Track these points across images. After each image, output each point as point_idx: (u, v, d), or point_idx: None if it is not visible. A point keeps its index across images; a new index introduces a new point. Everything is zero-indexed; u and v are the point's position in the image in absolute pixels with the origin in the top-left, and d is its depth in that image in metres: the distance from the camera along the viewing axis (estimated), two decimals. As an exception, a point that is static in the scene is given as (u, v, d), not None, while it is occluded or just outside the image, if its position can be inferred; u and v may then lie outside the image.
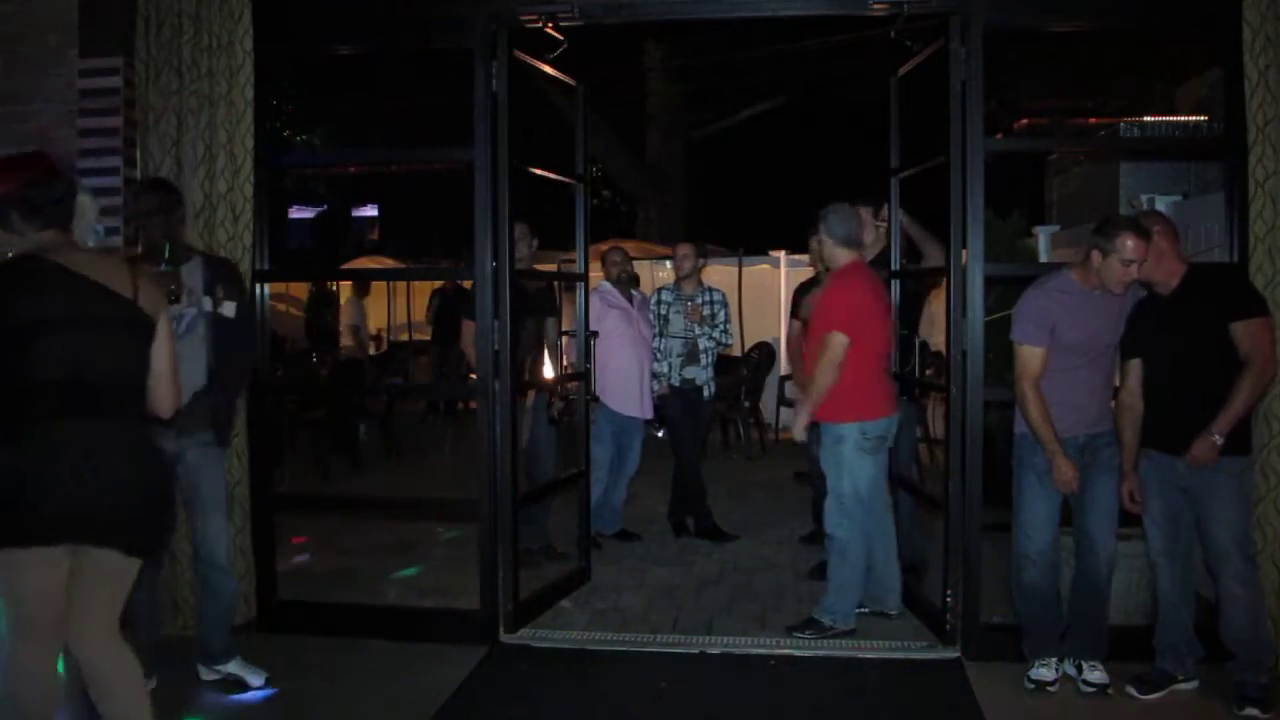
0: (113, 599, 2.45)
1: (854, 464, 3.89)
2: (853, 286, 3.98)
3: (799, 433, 4.11)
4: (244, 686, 3.48)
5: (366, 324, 10.45)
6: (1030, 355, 3.39)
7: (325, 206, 20.18)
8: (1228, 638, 3.30)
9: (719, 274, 8.83)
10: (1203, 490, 3.26)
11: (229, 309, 3.42)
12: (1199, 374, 3.26)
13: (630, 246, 6.68)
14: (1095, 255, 3.29)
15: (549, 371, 5.19)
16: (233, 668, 3.51)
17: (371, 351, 10.39)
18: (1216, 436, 3.17)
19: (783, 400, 8.79)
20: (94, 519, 2.30)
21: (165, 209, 3.38)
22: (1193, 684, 3.40)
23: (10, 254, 2.38)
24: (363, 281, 10.42)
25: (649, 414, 5.52)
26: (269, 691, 3.46)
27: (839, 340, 3.86)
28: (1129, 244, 3.20)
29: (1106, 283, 3.30)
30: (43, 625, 2.35)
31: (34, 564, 2.29)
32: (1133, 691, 3.37)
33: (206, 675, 3.52)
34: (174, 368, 2.52)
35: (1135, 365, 3.40)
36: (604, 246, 6.70)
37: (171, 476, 2.57)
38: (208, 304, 3.39)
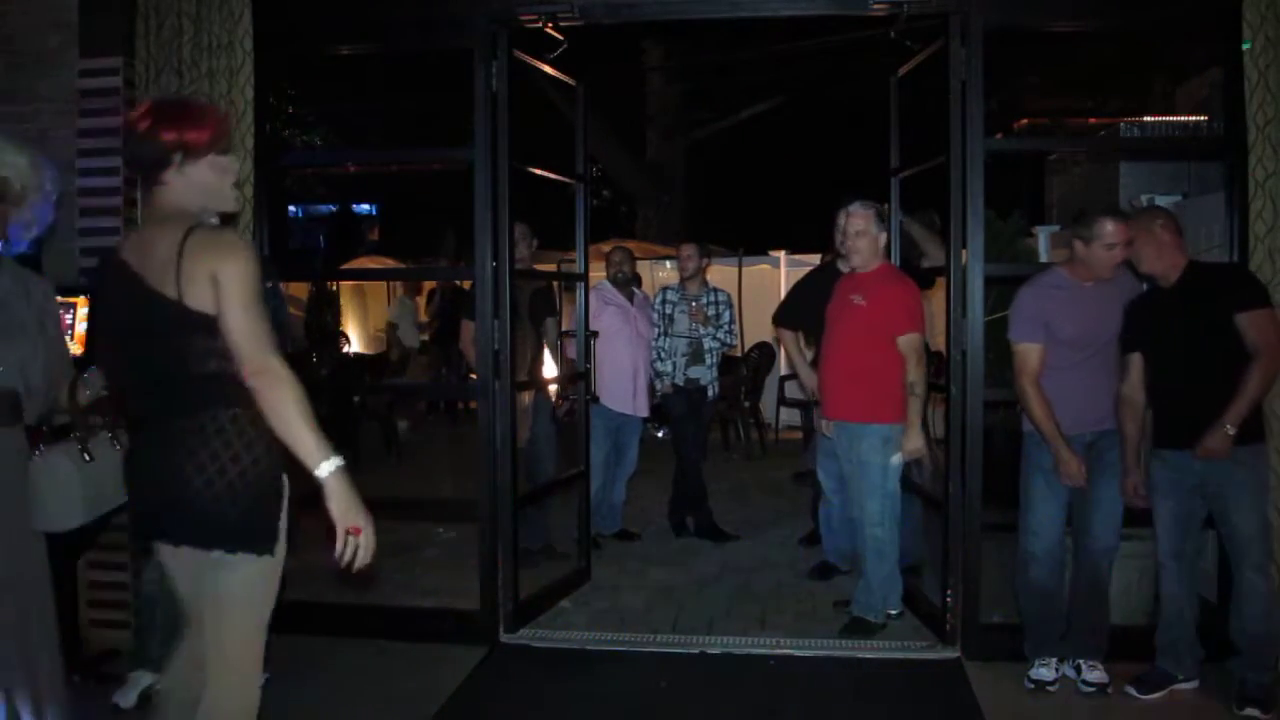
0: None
1: (896, 464, 3.98)
2: (913, 284, 4.12)
3: (918, 450, 3.99)
4: None
5: (415, 320, 10.49)
6: (1027, 352, 3.41)
7: (326, 206, 20.18)
8: (1238, 632, 3.29)
9: (719, 274, 8.83)
10: (1220, 483, 3.24)
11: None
12: (1206, 367, 3.25)
13: (630, 246, 6.68)
14: (1079, 246, 3.36)
15: (549, 371, 5.19)
16: None
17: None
18: (1229, 427, 3.16)
19: (783, 400, 8.80)
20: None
21: None
22: (1192, 684, 3.40)
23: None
24: (413, 281, 10.58)
25: (643, 412, 5.53)
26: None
27: (921, 341, 4.00)
28: (1107, 228, 3.29)
29: (1096, 270, 3.34)
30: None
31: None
32: (1132, 691, 3.37)
33: None
34: None
35: (1136, 359, 3.41)
36: (605, 246, 6.71)
37: None
38: None
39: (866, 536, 4.02)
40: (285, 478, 2.16)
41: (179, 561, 2.23)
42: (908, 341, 3.93)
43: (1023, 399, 3.42)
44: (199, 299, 2.03)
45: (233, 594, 2.16)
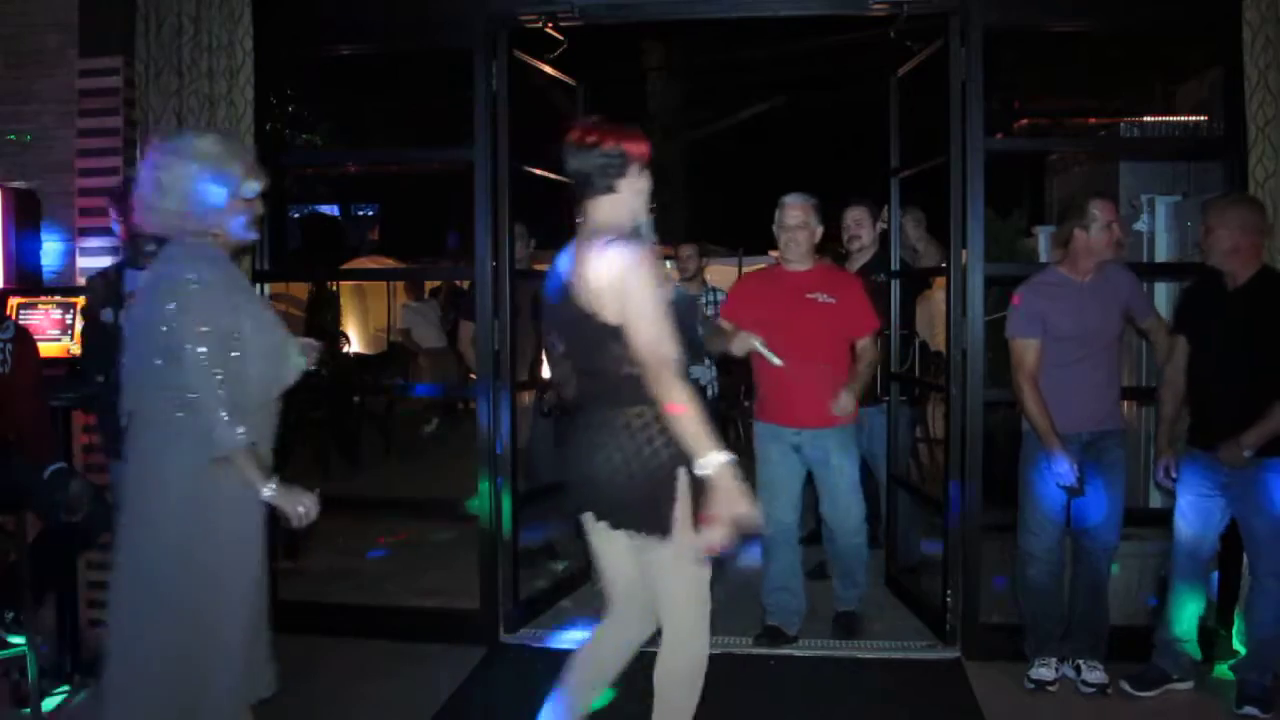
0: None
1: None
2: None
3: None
4: None
5: (437, 318, 10.46)
6: (1023, 348, 3.41)
7: (326, 206, 20.16)
8: (1246, 634, 3.30)
9: (719, 273, 8.83)
10: (1243, 485, 3.22)
11: None
12: (1247, 377, 3.20)
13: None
14: (1080, 236, 3.37)
15: (547, 371, 5.19)
16: None
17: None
18: (1246, 451, 3.14)
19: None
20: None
21: None
22: (1188, 685, 3.40)
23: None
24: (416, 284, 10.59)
25: None
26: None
27: None
28: (1098, 208, 3.33)
29: (1099, 254, 3.35)
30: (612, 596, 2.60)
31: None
32: (1127, 686, 3.38)
33: None
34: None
35: (1181, 343, 3.40)
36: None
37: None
38: None
39: (850, 546, 3.96)
40: (683, 470, 2.32)
41: (602, 531, 2.49)
42: (873, 341, 3.91)
43: (1019, 395, 3.42)
44: (611, 311, 2.28)
45: (659, 566, 2.43)
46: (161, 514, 2.37)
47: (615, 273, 2.26)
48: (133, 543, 2.43)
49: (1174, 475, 3.41)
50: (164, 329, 2.32)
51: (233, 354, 2.35)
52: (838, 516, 3.93)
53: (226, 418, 2.29)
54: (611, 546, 2.51)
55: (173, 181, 2.39)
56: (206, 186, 2.40)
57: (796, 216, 3.80)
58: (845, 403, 3.74)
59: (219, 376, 2.30)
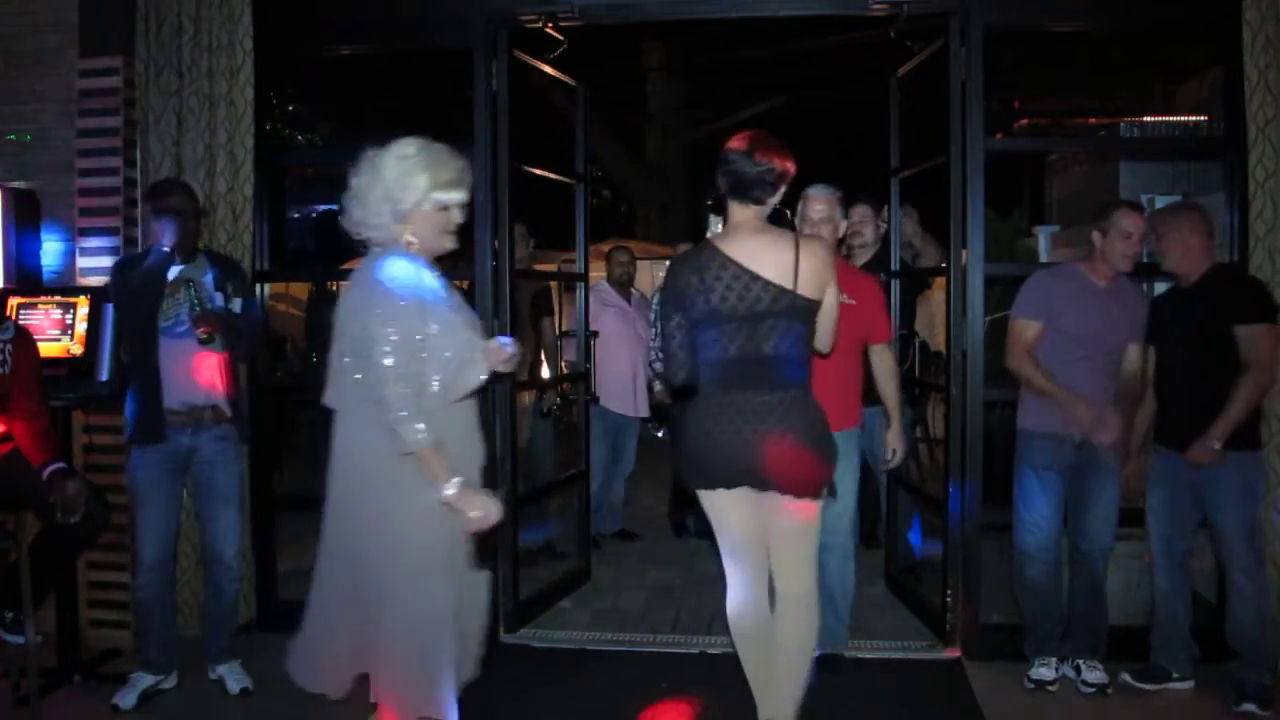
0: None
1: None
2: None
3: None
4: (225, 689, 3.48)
5: None
6: (1023, 327, 3.44)
7: (326, 206, 20.16)
8: (1234, 638, 3.31)
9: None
10: (1209, 484, 3.27)
11: (236, 305, 3.46)
12: (1205, 373, 3.27)
13: (630, 246, 6.68)
14: (1096, 237, 3.38)
15: (546, 371, 5.20)
16: (222, 670, 3.51)
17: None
18: (1214, 442, 3.19)
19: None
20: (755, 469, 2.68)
21: (196, 208, 3.45)
22: (1188, 684, 3.40)
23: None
24: None
25: (644, 412, 5.54)
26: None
27: None
28: (1125, 218, 3.33)
29: (1112, 261, 3.35)
30: (742, 553, 2.84)
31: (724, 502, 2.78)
32: (1128, 678, 3.41)
33: (212, 675, 3.53)
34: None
35: (1151, 352, 3.46)
36: (606, 246, 6.71)
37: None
38: (219, 299, 3.42)
39: (842, 568, 3.59)
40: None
41: (744, 502, 2.76)
42: (887, 347, 3.62)
43: (1020, 373, 3.43)
44: (810, 290, 2.65)
45: (805, 530, 2.79)
46: (359, 489, 2.53)
47: (824, 263, 2.67)
48: (335, 524, 2.59)
49: (1145, 477, 3.46)
50: (356, 329, 2.46)
51: (420, 355, 2.44)
52: (826, 520, 3.73)
53: (408, 416, 2.38)
54: (752, 514, 2.77)
55: (363, 188, 2.55)
56: (390, 194, 2.51)
57: (821, 210, 3.50)
58: (893, 442, 3.67)
59: (404, 378, 2.40)
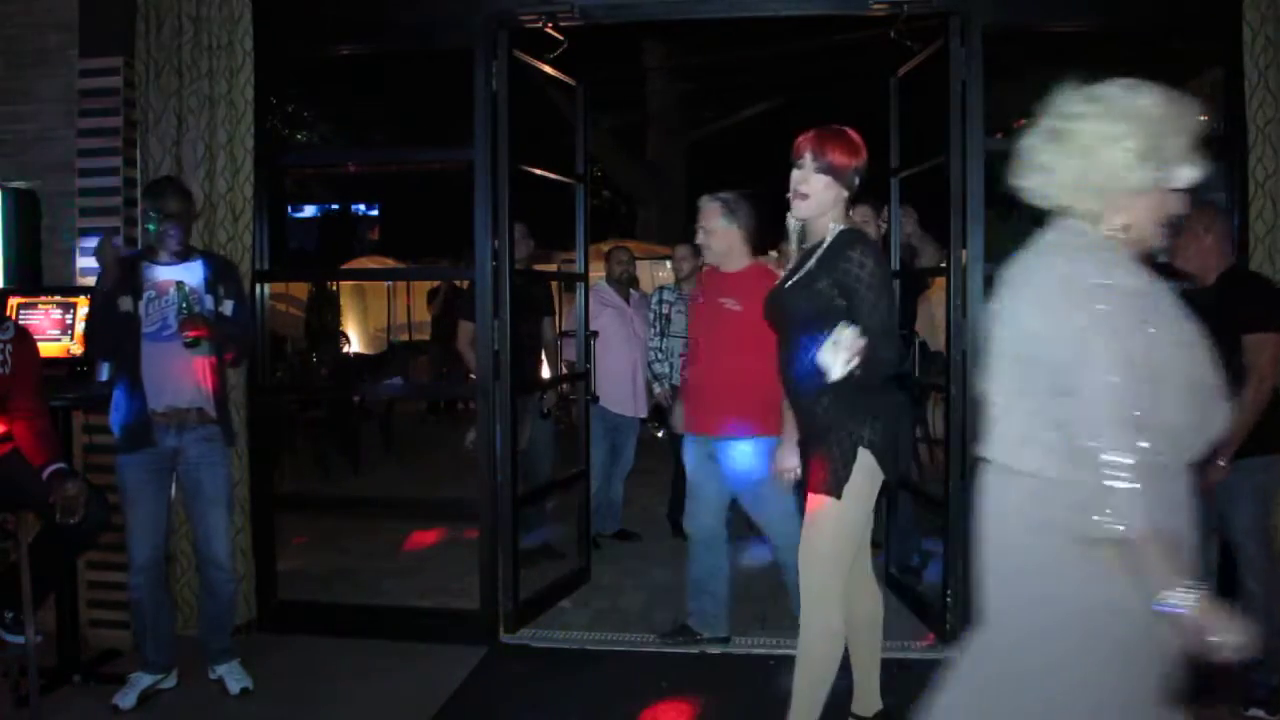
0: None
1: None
2: None
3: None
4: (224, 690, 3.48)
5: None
6: None
7: (326, 206, 20.18)
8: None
9: (719, 274, 8.83)
10: (1221, 489, 3.19)
11: (228, 307, 3.45)
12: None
13: (630, 246, 6.69)
14: None
15: (546, 371, 5.20)
16: (222, 670, 3.51)
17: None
18: (1220, 461, 3.13)
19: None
20: None
21: (193, 210, 3.45)
22: None
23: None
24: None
25: (642, 413, 5.55)
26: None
27: None
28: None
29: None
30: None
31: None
32: None
33: (212, 675, 3.53)
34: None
35: None
36: (605, 246, 6.73)
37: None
38: (210, 302, 3.41)
39: (788, 561, 3.46)
40: (864, 448, 2.63)
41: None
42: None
43: None
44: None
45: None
46: (1015, 574, 1.83)
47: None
48: (989, 601, 1.91)
49: None
50: (1053, 344, 1.72)
51: (1144, 389, 1.65)
52: (775, 534, 3.79)
53: (1133, 482, 1.59)
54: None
55: (1083, 139, 1.79)
56: (1127, 156, 1.75)
57: (706, 219, 3.71)
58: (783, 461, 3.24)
59: (1123, 420, 1.62)
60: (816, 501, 2.71)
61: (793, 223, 2.76)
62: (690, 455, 3.88)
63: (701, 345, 3.76)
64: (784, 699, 2.75)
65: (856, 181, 2.69)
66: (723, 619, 3.95)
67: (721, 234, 3.69)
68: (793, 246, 2.79)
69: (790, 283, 2.71)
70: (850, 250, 2.59)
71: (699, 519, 3.90)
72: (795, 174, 2.67)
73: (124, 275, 3.36)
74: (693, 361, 3.84)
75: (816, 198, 2.66)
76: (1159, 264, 1.87)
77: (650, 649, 3.93)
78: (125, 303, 3.34)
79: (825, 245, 2.64)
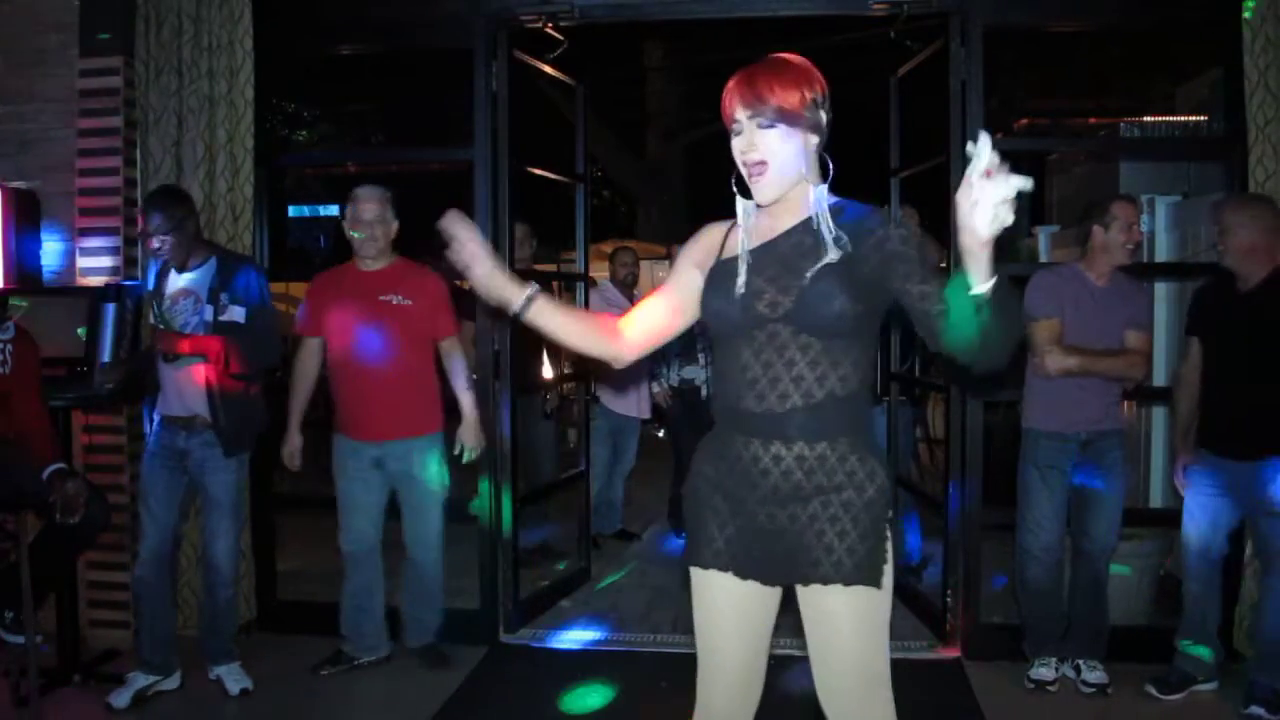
0: None
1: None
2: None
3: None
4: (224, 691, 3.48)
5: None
6: (1046, 325, 3.36)
7: (326, 206, 20.16)
8: (1254, 635, 3.28)
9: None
10: (1250, 485, 3.20)
11: (236, 314, 3.36)
12: (1260, 380, 3.15)
13: (633, 247, 6.70)
14: (1097, 232, 3.36)
15: (547, 371, 5.19)
16: (221, 671, 3.51)
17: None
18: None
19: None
20: None
21: (188, 214, 3.41)
22: (1212, 685, 3.38)
23: None
24: None
25: (646, 414, 5.55)
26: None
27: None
28: (1125, 210, 3.34)
29: (1114, 254, 3.35)
30: None
31: None
32: (1153, 691, 3.37)
33: (211, 675, 3.53)
34: None
35: (1194, 343, 3.41)
36: (606, 247, 6.72)
37: None
38: (208, 312, 3.33)
39: (432, 562, 3.64)
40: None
41: None
42: (453, 343, 3.63)
43: (1055, 366, 3.31)
44: None
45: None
46: None
47: None
48: None
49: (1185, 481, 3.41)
50: None
51: None
52: (416, 533, 3.63)
53: None
54: None
55: None
56: None
57: (372, 210, 3.53)
58: (466, 438, 3.55)
59: None
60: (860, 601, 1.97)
61: (746, 207, 1.99)
62: (347, 466, 3.60)
63: (359, 346, 3.53)
64: (783, 698, 2.75)
65: (823, 117, 1.83)
66: (379, 635, 3.70)
67: (389, 228, 3.60)
68: (742, 243, 1.99)
69: (806, 282, 1.82)
70: (876, 213, 1.88)
71: (358, 532, 3.60)
72: (736, 143, 1.87)
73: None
74: (350, 365, 3.56)
75: (777, 160, 1.83)
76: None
77: (650, 649, 3.93)
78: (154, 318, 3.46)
79: (825, 220, 1.84)
